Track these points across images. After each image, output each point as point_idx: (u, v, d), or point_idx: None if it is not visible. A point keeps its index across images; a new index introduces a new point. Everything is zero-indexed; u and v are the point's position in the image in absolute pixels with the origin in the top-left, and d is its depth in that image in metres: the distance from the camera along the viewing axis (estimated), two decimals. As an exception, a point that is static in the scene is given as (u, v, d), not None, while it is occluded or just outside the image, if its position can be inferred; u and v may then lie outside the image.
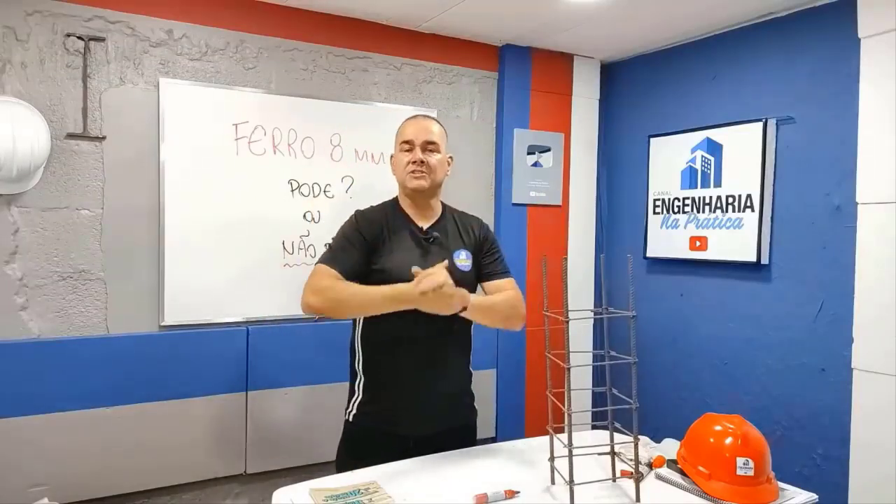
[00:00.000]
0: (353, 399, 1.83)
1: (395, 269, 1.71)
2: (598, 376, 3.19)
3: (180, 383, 2.29)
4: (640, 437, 1.47)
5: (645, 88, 3.08)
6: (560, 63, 3.09)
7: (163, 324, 2.29)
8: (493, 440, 2.80)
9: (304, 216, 2.53)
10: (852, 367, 2.17)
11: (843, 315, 2.22)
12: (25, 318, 2.10)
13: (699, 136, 2.72)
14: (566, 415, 1.41)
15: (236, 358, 2.39)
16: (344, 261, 1.72)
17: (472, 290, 1.85)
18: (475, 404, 1.94)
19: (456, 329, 1.83)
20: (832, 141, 2.29)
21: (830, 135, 2.30)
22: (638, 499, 1.43)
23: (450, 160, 1.90)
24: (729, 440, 1.48)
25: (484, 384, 2.77)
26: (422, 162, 1.78)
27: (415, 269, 1.61)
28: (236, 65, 2.41)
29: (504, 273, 1.90)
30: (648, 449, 1.70)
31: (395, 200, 1.89)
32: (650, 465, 1.62)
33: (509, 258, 1.99)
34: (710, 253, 2.68)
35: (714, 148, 2.67)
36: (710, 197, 2.67)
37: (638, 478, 1.45)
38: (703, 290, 2.77)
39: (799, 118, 2.41)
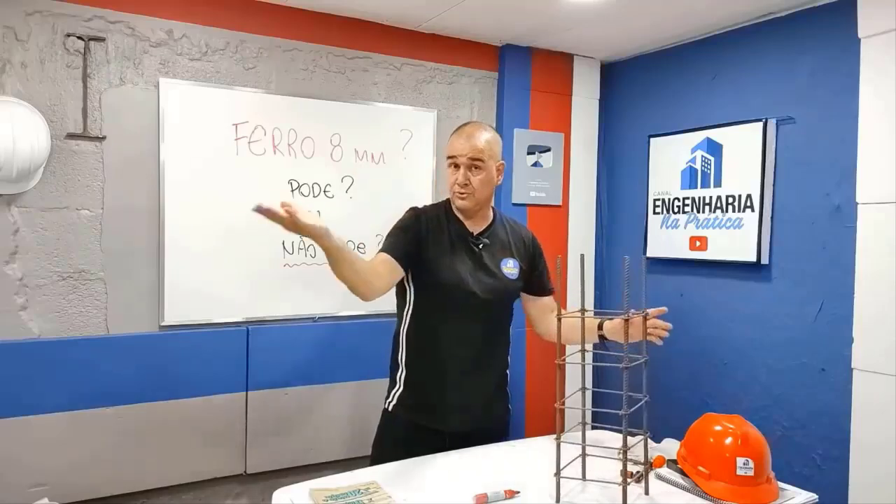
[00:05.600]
0: (394, 390, 1.88)
1: (445, 271, 1.77)
2: (597, 377, 3.19)
3: (180, 383, 2.29)
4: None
5: (645, 88, 3.07)
6: (560, 63, 3.08)
7: (163, 324, 2.28)
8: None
9: (304, 216, 2.53)
10: (852, 367, 2.17)
11: (843, 315, 2.22)
12: (25, 318, 2.10)
13: (699, 136, 2.72)
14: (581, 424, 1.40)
15: (236, 358, 2.38)
16: (392, 245, 1.77)
17: (514, 298, 1.93)
18: (509, 405, 2.00)
19: (503, 329, 1.91)
20: (832, 141, 2.29)
21: (830, 135, 2.29)
22: (647, 492, 1.44)
23: (500, 167, 1.88)
24: (729, 440, 1.48)
25: (484, 384, 2.76)
26: (465, 184, 1.79)
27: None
28: (236, 65, 2.40)
29: (552, 290, 1.98)
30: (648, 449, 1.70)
31: (447, 202, 1.92)
32: (650, 465, 1.62)
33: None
34: (710, 253, 2.68)
35: (714, 148, 2.66)
36: (710, 197, 2.67)
37: (640, 475, 1.45)
38: (703, 290, 2.77)
39: (799, 118, 2.41)
